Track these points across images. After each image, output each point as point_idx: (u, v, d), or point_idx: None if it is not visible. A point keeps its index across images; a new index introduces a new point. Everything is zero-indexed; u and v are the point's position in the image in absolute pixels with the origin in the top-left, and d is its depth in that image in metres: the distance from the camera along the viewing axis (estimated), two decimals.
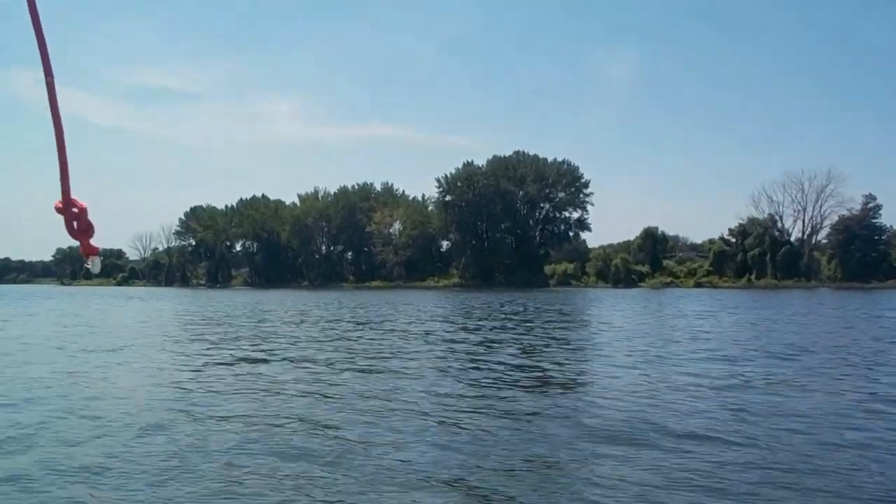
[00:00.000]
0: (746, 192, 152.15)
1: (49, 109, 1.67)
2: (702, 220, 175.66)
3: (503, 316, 29.05)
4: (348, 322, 25.66)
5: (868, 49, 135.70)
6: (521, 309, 35.21)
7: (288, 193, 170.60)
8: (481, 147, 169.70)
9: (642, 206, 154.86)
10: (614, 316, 30.10)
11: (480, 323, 24.82)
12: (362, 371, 12.00)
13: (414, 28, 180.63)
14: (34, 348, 16.41)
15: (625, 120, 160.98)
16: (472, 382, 10.61)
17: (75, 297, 63.51)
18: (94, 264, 1.82)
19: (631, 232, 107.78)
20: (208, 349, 15.91)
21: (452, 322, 25.61)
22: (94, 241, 1.76)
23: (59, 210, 1.70)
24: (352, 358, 14.01)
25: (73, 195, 1.71)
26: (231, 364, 13.20)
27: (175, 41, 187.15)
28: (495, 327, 22.69)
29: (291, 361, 13.56)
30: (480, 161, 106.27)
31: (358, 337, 19.20)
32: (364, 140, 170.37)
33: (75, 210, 1.71)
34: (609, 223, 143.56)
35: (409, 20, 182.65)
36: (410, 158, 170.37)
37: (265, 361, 13.67)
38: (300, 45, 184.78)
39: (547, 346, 16.82)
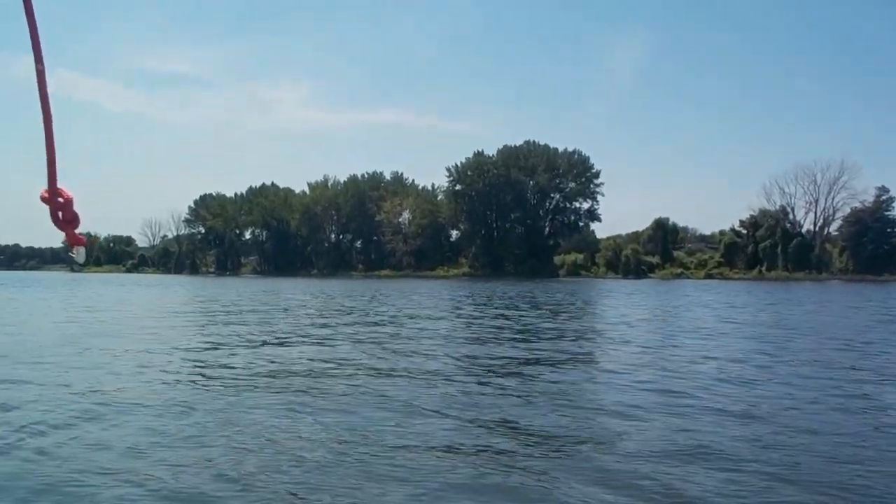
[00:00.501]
0: (754, 183, 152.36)
1: (39, 97, 1.62)
2: (709, 212, 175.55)
3: (531, 305, 29.18)
4: (386, 310, 25.81)
5: (881, 40, 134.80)
6: (547, 298, 35.32)
7: (295, 181, 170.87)
8: (488, 136, 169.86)
9: (646, 198, 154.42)
10: (643, 307, 30.16)
11: (512, 312, 24.94)
12: (429, 355, 12.14)
13: (419, 16, 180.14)
14: (99, 337, 16.58)
15: (630, 111, 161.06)
16: (535, 368, 10.74)
17: (93, 284, 63.74)
18: (78, 254, 1.77)
19: (638, 223, 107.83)
20: (271, 335, 16.07)
21: (485, 310, 25.74)
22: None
23: (44, 200, 1.68)
24: (416, 343, 14.15)
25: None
26: (293, 349, 13.34)
27: (181, 26, 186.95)
28: (530, 316, 22.82)
29: (357, 343, 13.68)
30: (490, 150, 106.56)
31: (408, 323, 19.34)
32: (371, 128, 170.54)
33: (61, 200, 1.69)
34: (613, 214, 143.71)
35: (414, 8, 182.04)
36: (417, 147, 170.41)
37: (331, 346, 13.81)
38: (307, 31, 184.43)
39: (599, 336, 16.93)
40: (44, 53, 1.59)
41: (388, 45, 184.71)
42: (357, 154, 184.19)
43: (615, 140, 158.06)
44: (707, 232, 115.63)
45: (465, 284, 64.41)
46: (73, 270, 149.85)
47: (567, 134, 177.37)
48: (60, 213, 1.70)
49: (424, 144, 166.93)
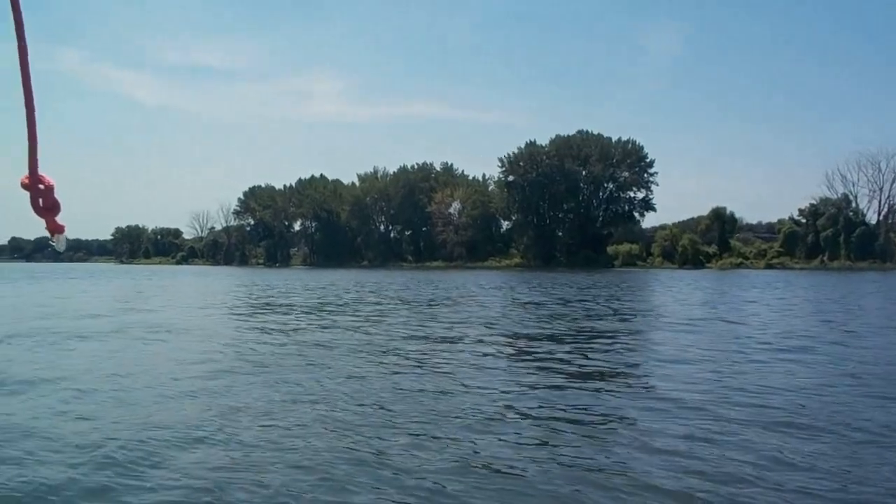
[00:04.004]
0: (804, 172, 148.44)
1: (20, 77, 1.56)
2: (755, 201, 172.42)
3: (616, 300, 28.92)
4: (477, 302, 25.84)
5: None
6: (636, 292, 35.03)
7: (336, 174, 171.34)
8: (529, 126, 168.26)
9: (690, 186, 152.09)
10: (756, 305, 29.66)
11: (611, 308, 24.76)
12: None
13: (453, 7, 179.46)
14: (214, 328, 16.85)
15: (671, 98, 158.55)
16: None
17: (157, 275, 64.90)
18: (59, 242, 1.73)
19: (680, 212, 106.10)
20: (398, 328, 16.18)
21: (572, 302, 25.63)
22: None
23: (25, 186, 1.63)
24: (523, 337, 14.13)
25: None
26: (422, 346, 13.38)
27: (216, 20, 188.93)
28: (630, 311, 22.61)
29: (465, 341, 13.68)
30: (542, 140, 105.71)
31: (514, 315, 19.32)
32: (411, 120, 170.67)
33: (42, 187, 1.64)
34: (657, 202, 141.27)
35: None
36: (458, 138, 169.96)
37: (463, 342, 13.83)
38: (342, 23, 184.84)
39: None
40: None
41: (424, 36, 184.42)
42: (400, 146, 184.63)
43: (655, 128, 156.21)
44: (753, 221, 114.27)
45: (528, 276, 63.98)
46: (121, 262, 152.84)
47: (609, 122, 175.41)
48: (41, 201, 1.65)
49: (465, 135, 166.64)
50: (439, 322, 17.89)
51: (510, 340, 14.21)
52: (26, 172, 1.63)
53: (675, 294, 32.42)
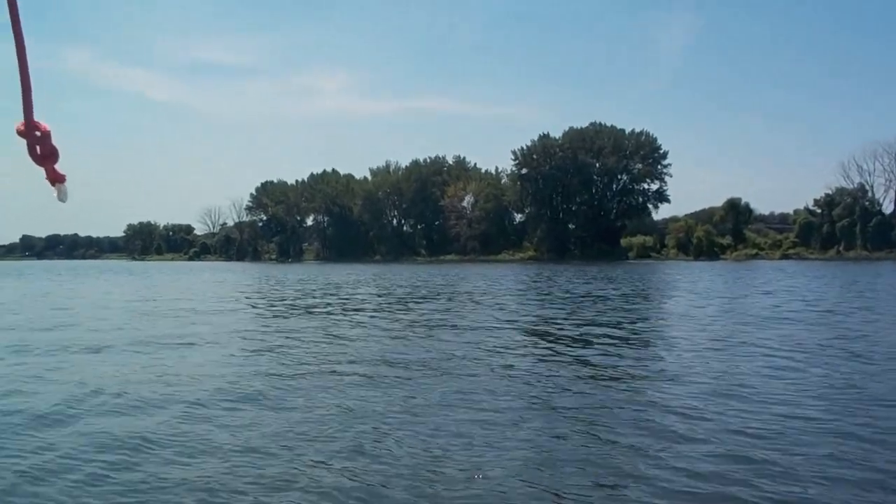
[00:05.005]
0: (813, 162, 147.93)
1: (10, 21, 1.51)
2: (764, 192, 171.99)
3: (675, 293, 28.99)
4: (521, 297, 25.99)
5: None
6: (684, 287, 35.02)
7: (347, 168, 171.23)
8: (543, 121, 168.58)
9: (697, 177, 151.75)
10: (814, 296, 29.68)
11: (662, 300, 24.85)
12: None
13: (459, 1, 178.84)
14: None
15: (684, 92, 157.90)
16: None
17: (178, 273, 65.17)
18: (60, 192, 1.66)
19: (690, 204, 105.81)
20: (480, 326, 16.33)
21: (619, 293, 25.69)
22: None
23: (20, 133, 1.58)
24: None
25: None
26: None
27: (222, 16, 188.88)
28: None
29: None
30: (555, 133, 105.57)
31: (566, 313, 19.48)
32: (418, 115, 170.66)
33: (38, 133, 1.59)
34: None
35: None
36: (468, 133, 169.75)
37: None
38: (348, 20, 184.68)
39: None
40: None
41: (427, 33, 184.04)
42: (407, 142, 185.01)
43: (662, 123, 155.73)
44: (765, 212, 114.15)
45: (548, 269, 64.03)
46: (133, 259, 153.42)
47: (618, 116, 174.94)
48: (38, 148, 1.60)
49: (473, 131, 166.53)
50: (514, 316, 18.11)
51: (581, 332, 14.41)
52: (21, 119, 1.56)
53: (719, 289, 32.49)
